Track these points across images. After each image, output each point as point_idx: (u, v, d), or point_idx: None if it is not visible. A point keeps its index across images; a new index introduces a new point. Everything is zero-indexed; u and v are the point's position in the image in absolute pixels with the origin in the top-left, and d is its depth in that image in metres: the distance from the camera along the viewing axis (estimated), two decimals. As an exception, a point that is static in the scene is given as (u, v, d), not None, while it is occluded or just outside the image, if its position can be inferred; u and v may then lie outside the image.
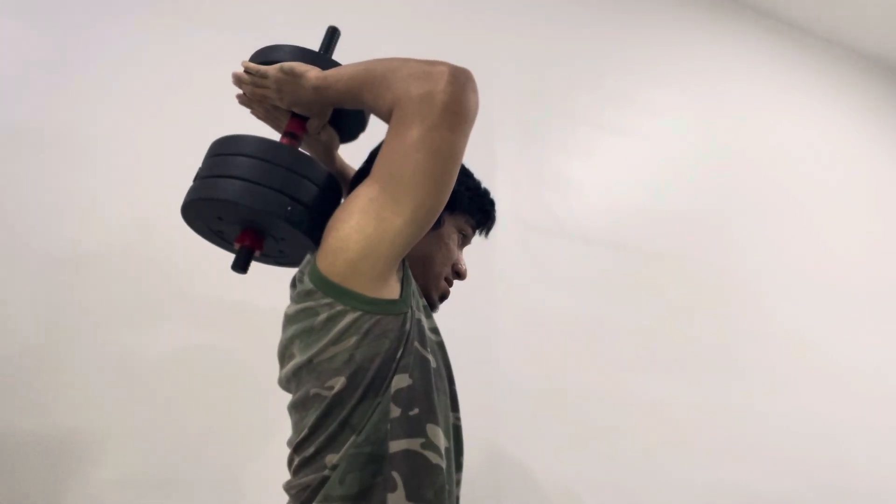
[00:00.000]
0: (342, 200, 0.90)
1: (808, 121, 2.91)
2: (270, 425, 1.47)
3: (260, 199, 0.84)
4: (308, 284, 0.83)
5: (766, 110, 2.80)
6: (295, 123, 0.98)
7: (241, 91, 1.02)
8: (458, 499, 0.90)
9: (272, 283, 1.22)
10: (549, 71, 2.35)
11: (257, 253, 0.92)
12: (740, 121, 2.69)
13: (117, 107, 1.65)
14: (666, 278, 2.22)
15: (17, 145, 1.53)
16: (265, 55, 0.98)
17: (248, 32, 1.84)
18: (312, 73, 0.92)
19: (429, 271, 1.00)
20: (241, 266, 0.90)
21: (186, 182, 0.92)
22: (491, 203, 1.09)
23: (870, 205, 2.86)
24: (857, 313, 2.54)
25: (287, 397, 0.90)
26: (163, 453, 1.42)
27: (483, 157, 2.08)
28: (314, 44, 1.09)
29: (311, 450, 0.79)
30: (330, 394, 0.79)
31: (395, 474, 0.77)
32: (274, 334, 0.92)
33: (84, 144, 1.59)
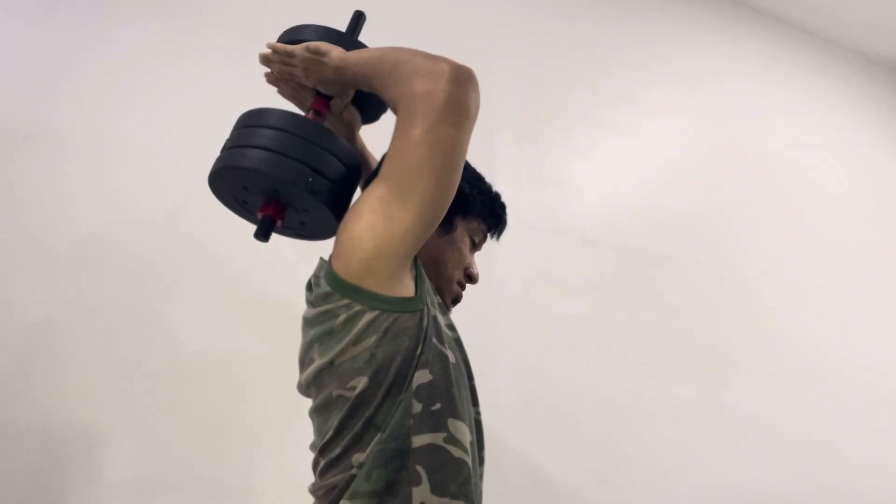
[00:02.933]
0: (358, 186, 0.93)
1: (808, 121, 2.92)
2: (276, 426, 1.48)
3: (283, 169, 0.86)
4: (325, 287, 0.83)
5: (767, 110, 2.81)
6: (319, 102, 1.02)
7: (268, 70, 1.05)
8: (481, 493, 0.90)
9: (277, 284, 1.22)
10: (549, 71, 2.35)
11: (279, 223, 0.95)
12: (740, 120, 2.70)
13: (119, 107, 1.65)
14: (666, 278, 2.22)
15: (18, 145, 1.53)
16: (292, 34, 1.02)
17: (252, 34, 1.85)
18: (335, 52, 0.94)
19: (441, 274, 1.01)
20: (263, 234, 0.93)
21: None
22: (502, 207, 1.12)
23: (870, 205, 2.87)
24: (857, 313, 2.55)
25: (304, 402, 0.90)
26: (166, 454, 1.42)
27: (483, 157, 2.07)
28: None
29: (337, 451, 0.80)
30: (353, 394, 0.79)
31: (419, 468, 0.77)
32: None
33: (86, 145, 1.59)
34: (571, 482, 1.80)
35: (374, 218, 0.81)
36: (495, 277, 1.94)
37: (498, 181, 2.05)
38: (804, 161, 2.78)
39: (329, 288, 0.83)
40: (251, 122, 0.93)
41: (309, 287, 0.90)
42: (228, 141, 0.94)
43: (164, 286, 1.54)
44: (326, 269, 0.84)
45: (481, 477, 0.91)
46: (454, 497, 0.78)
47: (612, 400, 1.95)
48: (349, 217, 0.85)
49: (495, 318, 1.90)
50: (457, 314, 1.81)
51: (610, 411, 1.93)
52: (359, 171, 0.95)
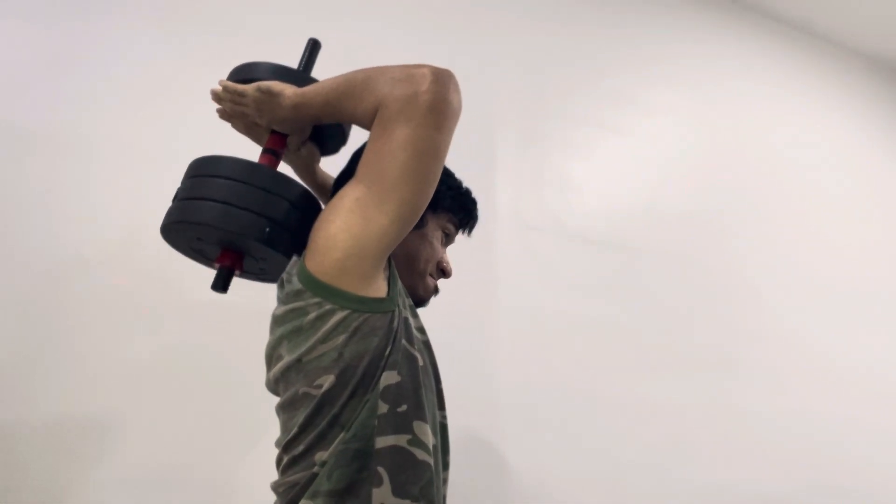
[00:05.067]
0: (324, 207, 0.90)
1: (807, 120, 2.91)
2: (263, 426, 1.48)
3: (238, 223, 0.84)
4: (296, 284, 0.83)
5: (766, 110, 2.80)
6: (275, 140, 0.99)
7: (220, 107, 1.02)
8: (444, 497, 0.90)
9: (264, 286, 1.22)
10: (549, 71, 2.35)
11: (237, 272, 0.92)
12: (740, 121, 2.70)
13: (118, 108, 1.66)
14: (666, 278, 2.22)
15: (17, 146, 1.53)
16: (243, 73, 0.99)
17: (250, 35, 1.85)
18: (289, 90, 0.92)
19: (414, 270, 1.00)
20: (220, 286, 0.90)
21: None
22: (473, 202, 1.11)
23: (869, 204, 2.86)
24: (858, 313, 2.54)
25: (275, 399, 0.90)
26: (157, 454, 1.43)
27: (483, 157, 2.09)
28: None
29: (300, 448, 0.80)
30: (319, 392, 0.79)
31: (380, 469, 0.77)
32: (266, 336, 0.93)
33: (84, 145, 1.59)
34: (570, 481, 1.80)
35: (351, 218, 0.81)
36: (495, 278, 1.94)
37: (498, 181, 2.08)
38: (804, 161, 2.77)
39: (301, 285, 0.82)
40: (203, 172, 0.89)
41: (280, 284, 0.90)
42: (180, 191, 0.90)
43: (163, 285, 1.54)
44: (299, 267, 0.84)
45: (445, 482, 0.91)
46: (415, 500, 0.78)
47: (612, 399, 1.95)
48: (325, 217, 0.85)
49: (495, 317, 1.90)
50: (457, 314, 1.81)
51: (610, 411, 1.93)
52: (316, 211, 0.92)
